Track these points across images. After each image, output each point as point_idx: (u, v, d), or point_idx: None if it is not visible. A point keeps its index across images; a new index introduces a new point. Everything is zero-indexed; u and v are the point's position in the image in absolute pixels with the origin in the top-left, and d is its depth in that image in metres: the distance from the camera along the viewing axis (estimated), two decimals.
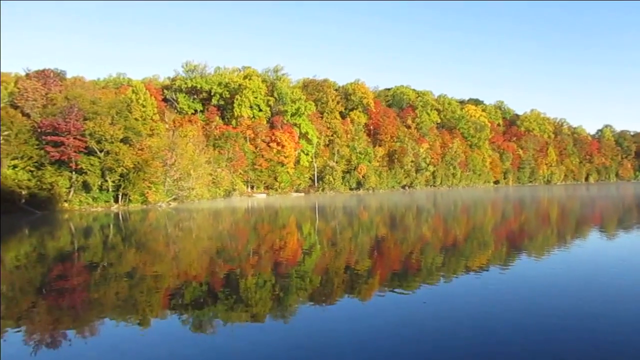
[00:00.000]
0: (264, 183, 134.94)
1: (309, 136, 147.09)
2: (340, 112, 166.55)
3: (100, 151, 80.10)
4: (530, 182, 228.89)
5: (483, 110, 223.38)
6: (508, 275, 23.93)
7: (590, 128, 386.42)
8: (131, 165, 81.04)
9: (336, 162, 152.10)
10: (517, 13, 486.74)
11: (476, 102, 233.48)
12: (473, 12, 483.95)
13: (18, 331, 16.64)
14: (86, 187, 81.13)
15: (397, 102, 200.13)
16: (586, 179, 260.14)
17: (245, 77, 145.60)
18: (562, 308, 17.50)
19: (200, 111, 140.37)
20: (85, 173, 79.39)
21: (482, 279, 23.09)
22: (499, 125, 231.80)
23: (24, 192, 73.68)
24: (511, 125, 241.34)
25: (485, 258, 29.38)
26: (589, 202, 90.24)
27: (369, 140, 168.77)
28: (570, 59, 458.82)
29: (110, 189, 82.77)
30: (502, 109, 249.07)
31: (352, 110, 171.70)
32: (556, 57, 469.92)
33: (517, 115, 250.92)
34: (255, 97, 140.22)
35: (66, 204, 78.87)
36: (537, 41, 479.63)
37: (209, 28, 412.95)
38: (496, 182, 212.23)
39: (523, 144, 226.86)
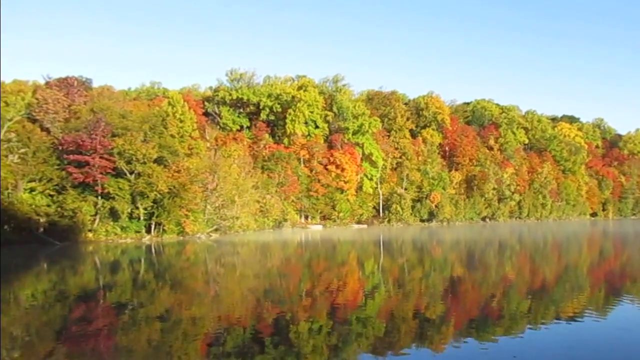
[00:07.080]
0: (320, 213, 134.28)
1: (373, 158, 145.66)
2: (411, 130, 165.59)
3: (131, 173, 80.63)
4: (634, 214, 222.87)
5: (579, 129, 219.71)
6: (607, 325, 23.51)
7: None
8: (166, 190, 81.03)
9: (405, 189, 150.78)
10: (620, 17, 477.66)
11: (571, 119, 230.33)
12: (567, 15, 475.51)
13: None
14: (114, 214, 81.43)
15: (477, 118, 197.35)
16: None
17: (299, 88, 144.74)
18: None
19: (247, 127, 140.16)
20: (113, 198, 79.47)
21: (576, 329, 22.72)
22: (597, 147, 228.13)
23: (42, 220, 74.48)
24: (612, 147, 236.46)
25: (579, 304, 28.98)
26: None
27: (444, 163, 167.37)
28: None
29: (142, 217, 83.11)
30: (602, 128, 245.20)
31: (424, 127, 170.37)
32: None
33: (620, 136, 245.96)
34: (311, 112, 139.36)
35: (90, 234, 79.33)
36: None
37: (258, 31, 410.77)
38: (593, 214, 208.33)
39: (626, 169, 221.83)
